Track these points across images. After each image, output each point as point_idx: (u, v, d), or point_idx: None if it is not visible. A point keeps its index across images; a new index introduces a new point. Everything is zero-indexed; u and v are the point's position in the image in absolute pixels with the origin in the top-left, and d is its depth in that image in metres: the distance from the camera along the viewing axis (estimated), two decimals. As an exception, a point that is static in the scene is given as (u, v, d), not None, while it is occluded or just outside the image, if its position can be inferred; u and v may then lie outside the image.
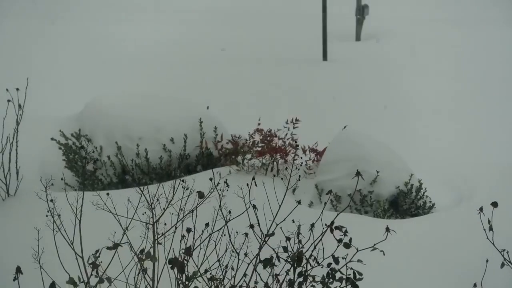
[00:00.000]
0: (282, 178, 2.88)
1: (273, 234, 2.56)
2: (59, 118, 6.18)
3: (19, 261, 2.62)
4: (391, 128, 6.99)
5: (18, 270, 2.34)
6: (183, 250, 2.44)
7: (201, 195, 2.42)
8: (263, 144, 5.58)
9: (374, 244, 2.47)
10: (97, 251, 2.47)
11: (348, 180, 5.00)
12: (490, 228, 2.39)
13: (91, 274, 2.44)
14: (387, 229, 2.43)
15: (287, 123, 5.77)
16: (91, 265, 2.37)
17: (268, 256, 2.53)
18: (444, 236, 4.30)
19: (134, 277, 2.63)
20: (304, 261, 2.47)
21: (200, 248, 2.69)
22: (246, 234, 2.57)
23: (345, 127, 5.52)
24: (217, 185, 2.67)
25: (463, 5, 15.47)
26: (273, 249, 2.56)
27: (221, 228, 2.68)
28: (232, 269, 2.62)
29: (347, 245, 2.35)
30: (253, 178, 2.60)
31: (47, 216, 2.67)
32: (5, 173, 5.02)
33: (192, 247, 2.58)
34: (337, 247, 2.41)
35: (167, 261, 2.46)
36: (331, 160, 5.29)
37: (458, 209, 4.93)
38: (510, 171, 5.62)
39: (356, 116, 7.58)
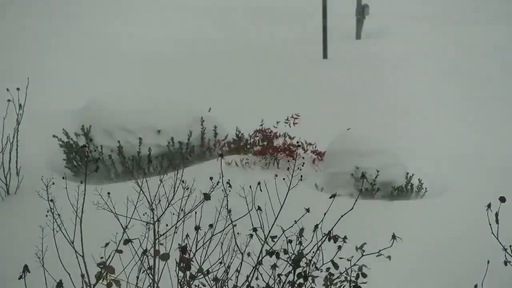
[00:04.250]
0: (284, 179, 2.87)
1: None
2: (61, 116, 6.18)
3: (15, 259, 2.61)
4: (391, 126, 6.96)
5: (26, 268, 2.23)
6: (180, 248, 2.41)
7: (207, 197, 2.42)
8: (263, 143, 5.61)
9: (379, 250, 2.48)
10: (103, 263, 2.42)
11: (349, 178, 5.11)
12: (497, 221, 2.38)
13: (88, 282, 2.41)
14: (393, 236, 2.43)
15: (287, 119, 5.82)
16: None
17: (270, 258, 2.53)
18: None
19: (125, 278, 2.62)
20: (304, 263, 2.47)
21: (203, 249, 2.68)
22: (251, 236, 2.57)
23: (348, 129, 5.53)
24: (217, 184, 2.66)
25: (464, 3, 15.44)
26: (274, 251, 2.56)
27: (223, 230, 2.68)
28: (236, 270, 2.61)
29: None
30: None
31: (46, 216, 2.66)
32: (5, 172, 5.02)
33: (192, 246, 2.57)
34: (336, 254, 2.41)
35: (166, 261, 2.44)
36: (332, 157, 5.34)
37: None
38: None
39: (356, 114, 7.55)
